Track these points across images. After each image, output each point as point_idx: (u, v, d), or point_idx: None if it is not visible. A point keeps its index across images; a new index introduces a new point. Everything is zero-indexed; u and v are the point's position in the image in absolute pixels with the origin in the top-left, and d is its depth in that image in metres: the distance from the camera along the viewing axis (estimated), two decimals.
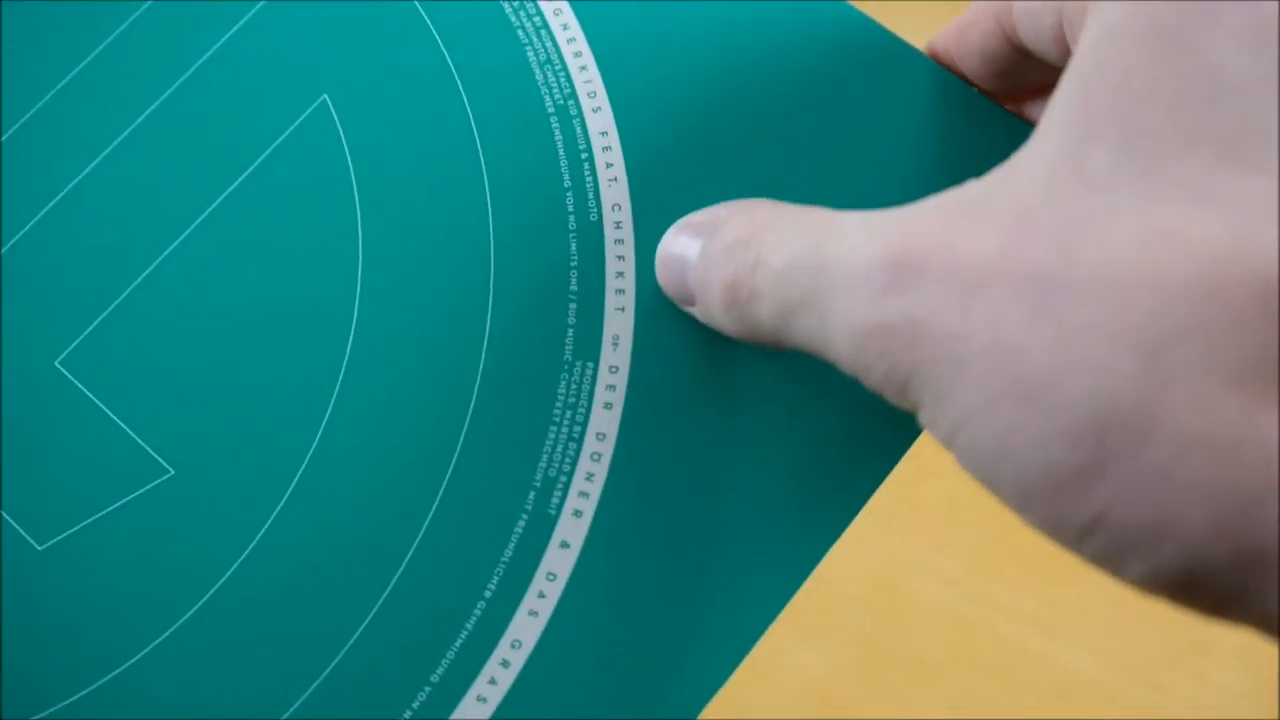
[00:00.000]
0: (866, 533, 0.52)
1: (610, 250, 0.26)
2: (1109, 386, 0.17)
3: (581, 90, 0.27)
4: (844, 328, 0.20)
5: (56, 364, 0.26)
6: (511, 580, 0.25)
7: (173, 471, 0.25)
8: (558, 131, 0.27)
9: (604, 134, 0.27)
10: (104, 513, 0.25)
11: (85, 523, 0.25)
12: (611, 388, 0.26)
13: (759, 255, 0.22)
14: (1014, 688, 0.53)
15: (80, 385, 0.26)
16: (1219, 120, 0.18)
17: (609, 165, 0.27)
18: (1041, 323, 0.18)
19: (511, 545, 0.25)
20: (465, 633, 0.25)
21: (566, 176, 0.27)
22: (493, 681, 0.25)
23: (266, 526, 0.25)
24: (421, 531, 0.25)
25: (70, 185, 0.27)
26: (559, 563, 0.25)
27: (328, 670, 0.25)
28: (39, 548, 0.25)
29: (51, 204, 0.26)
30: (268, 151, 0.27)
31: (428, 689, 0.24)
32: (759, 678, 0.52)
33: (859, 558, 0.53)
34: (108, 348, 0.26)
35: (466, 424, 0.26)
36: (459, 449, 0.25)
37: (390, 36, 0.27)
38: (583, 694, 0.25)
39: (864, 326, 0.20)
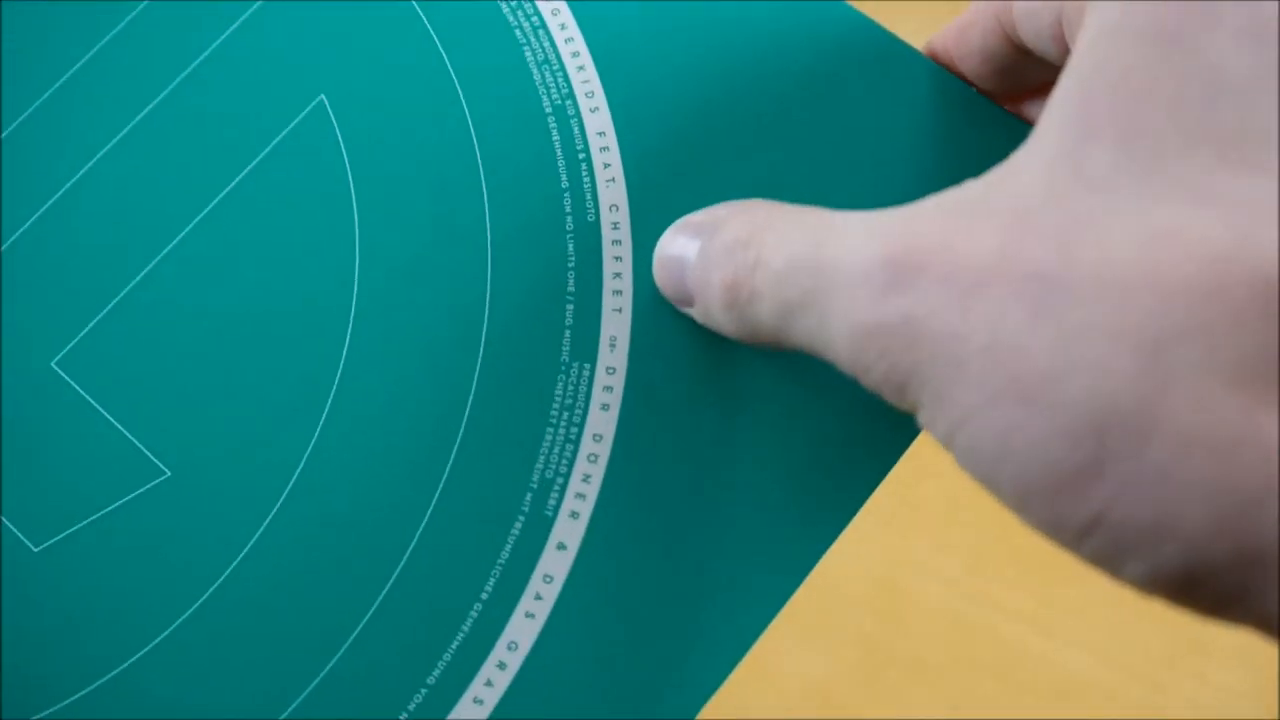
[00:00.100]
0: (866, 533, 0.52)
1: (608, 251, 0.26)
2: (1109, 386, 0.17)
3: (579, 90, 0.27)
4: (844, 327, 0.20)
5: (53, 365, 0.26)
6: (508, 582, 0.25)
7: (169, 473, 0.25)
8: (555, 132, 0.27)
9: (601, 134, 0.27)
10: (100, 514, 0.25)
11: (81, 524, 0.25)
12: (609, 389, 0.26)
13: (759, 255, 0.22)
14: (1014, 688, 0.53)
15: (77, 386, 0.26)
16: (1219, 120, 0.18)
17: (606, 166, 0.27)
18: (1041, 322, 0.18)
19: (508, 547, 0.25)
20: (462, 634, 0.25)
21: (564, 177, 0.27)
22: (489, 683, 0.25)
23: (263, 528, 0.25)
24: (418, 533, 0.25)
25: (66, 186, 0.27)
26: (556, 565, 0.25)
27: (324, 672, 0.24)
28: (35, 549, 0.25)
29: (48, 205, 0.26)
30: (264, 152, 0.27)
31: (424, 691, 0.24)
32: (759, 678, 0.52)
33: (859, 558, 0.53)
34: (104, 349, 0.26)
35: (463, 425, 0.26)
36: (456, 450, 0.25)
37: (388, 37, 0.27)
38: (580, 696, 0.24)
39: (864, 326, 0.20)
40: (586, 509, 0.25)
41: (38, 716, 0.24)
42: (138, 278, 0.26)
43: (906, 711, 0.52)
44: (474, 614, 0.25)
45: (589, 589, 0.25)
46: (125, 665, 0.25)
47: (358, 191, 0.27)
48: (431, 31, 0.27)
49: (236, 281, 0.26)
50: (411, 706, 0.24)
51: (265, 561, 0.25)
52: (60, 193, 0.27)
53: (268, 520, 0.25)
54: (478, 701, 0.24)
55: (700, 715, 0.25)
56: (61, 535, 0.25)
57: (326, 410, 0.26)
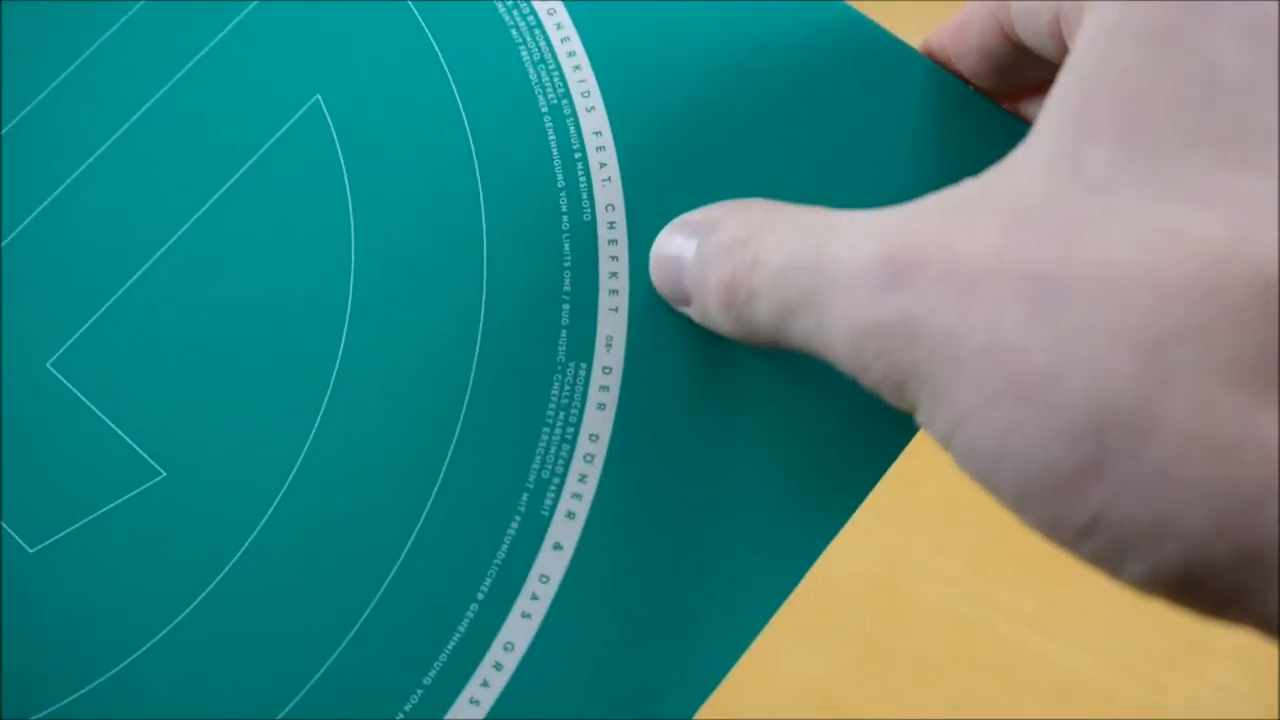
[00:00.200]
0: (866, 532, 0.52)
1: (604, 250, 0.26)
2: (1108, 386, 0.17)
3: (575, 90, 0.27)
4: (842, 327, 0.20)
5: (48, 366, 0.26)
6: (504, 582, 0.25)
7: (165, 473, 0.25)
8: (551, 131, 0.27)
9: (598, 133, 0.27)
10: (96, 515, 0.25)
11: (77, 525, 0.25)
12: (605, 389, 0.26)
13: (756, 255, 0.22)
14: (1014, 688, 0.53)
15: (72, 387, 0.26)
16: (1218, 119, 0.18)
17: (603, 165, 0.26)
18: (1040, 322, 0.18)
19: (504, 547, 0.25)
20: (458, 635, 0.25)
21: (560, 176, 0.26)
22: (485, 684, 0.24)
23: (259, 529, 0.25)
24: (414, 533, 0.25)
25: (62, 187, 0.27)
26: (552, 564, 0.25)
27: (320, 672, 0.24)
28: (30, 550, 0.25)
29: (43, 206, 0.26)
30: (260, 153, 0.27)
31: (420, 691, 0.24)
32: (758, 677, 0.52)
33: (859, 557, 0.53)
34: (100, 350, 0.26)
35: (459, 425, 0.25)
36: (452, 450, 0.25)
37: (384, 36, 0.27)
38: (576, 696, 0.24)
39: (862, 325, 0.20)
40: (583, 509, 0.25)
41: (36, 717, 0.24)
42: (133, 278, 0.26)
43: (906, 711, 0.52)
44: (470, 614, 0.25)
45: (585, 589, 0.25)
46: (123, 665, 0.25)
47: (353, 191, 0.26)
48: (427, 31, 0.27)
49: (232, 281, 0.26)
50: (408, 707, 0.24)
51: (261, 561, 0.25)
52: (55, 193, 0.26)
53: (264, 520, 0.25)
54: (474, 702, 0.24)
55: (699, 715, 0.25)
56: (58, 536, 0.25)
57: (322, 410, 0.26)
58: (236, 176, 0.27)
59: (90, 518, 0.25)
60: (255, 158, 0.27)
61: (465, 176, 0.27)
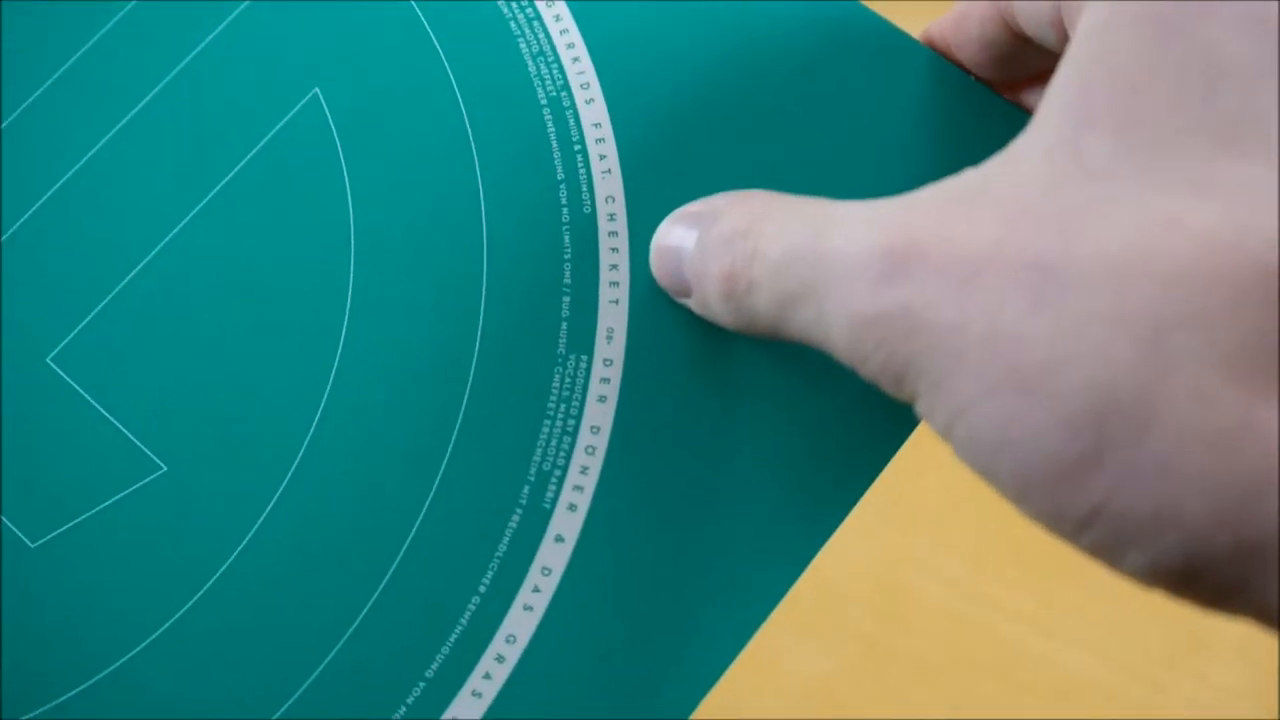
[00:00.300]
0: (867, 532, 0.52)
1: (604, 243, 0.26)
2: (1108, 375, 0.17)
3: (574, 82, 0.27)
4: (841, 318, 0.20)
5: (48, 361, 0.26)
6: (506, 575, 0.25)
7: (165, 468, 0.25)
8: (551, 124, 0.27)
9: (597, 125, 0.27)
10: (97, 510, 0.25)
11: (78, 520, 0.25)
12: (606, 381, 0.26)
13: (756, 246, 0.22)
14: (1014, 688, 0.53)
15: (72, 382, 0.26)
16: (1217, 108, 0.18)
17: (602, 157, 0.26)
18: (1040, 311, 0.18)
19: (506, 540, 0.25)
20: (460, 628, 0.25)
21: (560, 169, 0.26)
22: (487, 676, 0.24)
23: (260, 522, 0.25)
24: (415, 526, 0.25)
25: (60, 182, 0.26)
26: (554, 557, 0.25)
27: (322, 666, 0.24)
28: (32, 545, 0.25)
29: (42, 201, 0.26)
30: (259, 147, 0.27)
31: (422, 684, 0.24)
32: (759, 676, 0.52)
33: (859, 556, 0.53)
34: (100, 345, 0.26)
35: (460, 418, 0.25)
36: (453, 443, 0.25)
37: (382, 30, 0.27)
38: (578, 688, 0.24)
39: (861, 316, 0.20)
40: (584, 501, 0.25)
41: (37, 712, 0.24)
42: (132, 273, 0.26)
43: (906, 711, 0.52)
44: (472, 607, 0.25)
45: (587, 581, 0.25)
46: (122, 661, 0.24)
47: (353, 185, 0.26)
48: (426, 25, 0.27)
49: (231, 275, 0.26)
50: (410, 700, 0.24)
51: (262, 556, 0.25)
52: (54, 189, 0.26)
53: (264, 514, 0.25)
54: (476, 695, 0.24)
55: (700, 714, 0.25)
56: (59, 531, 0.25)
57: (323, 404, 0.25)
58: (236, 170, 0.27)
59: (91, 512, 0.25)
60: (254, 151, 0.27)
61: (464, 170, 0.27)
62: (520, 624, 0.25)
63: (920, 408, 0.20)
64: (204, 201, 0.26)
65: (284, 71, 0.27)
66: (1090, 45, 0.19)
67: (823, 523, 0.25)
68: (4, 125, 0.27)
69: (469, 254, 0.26)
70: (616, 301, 0.26)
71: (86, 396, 0.26)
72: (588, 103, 0.27)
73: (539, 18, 0.27)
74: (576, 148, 0.27)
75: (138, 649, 0.25)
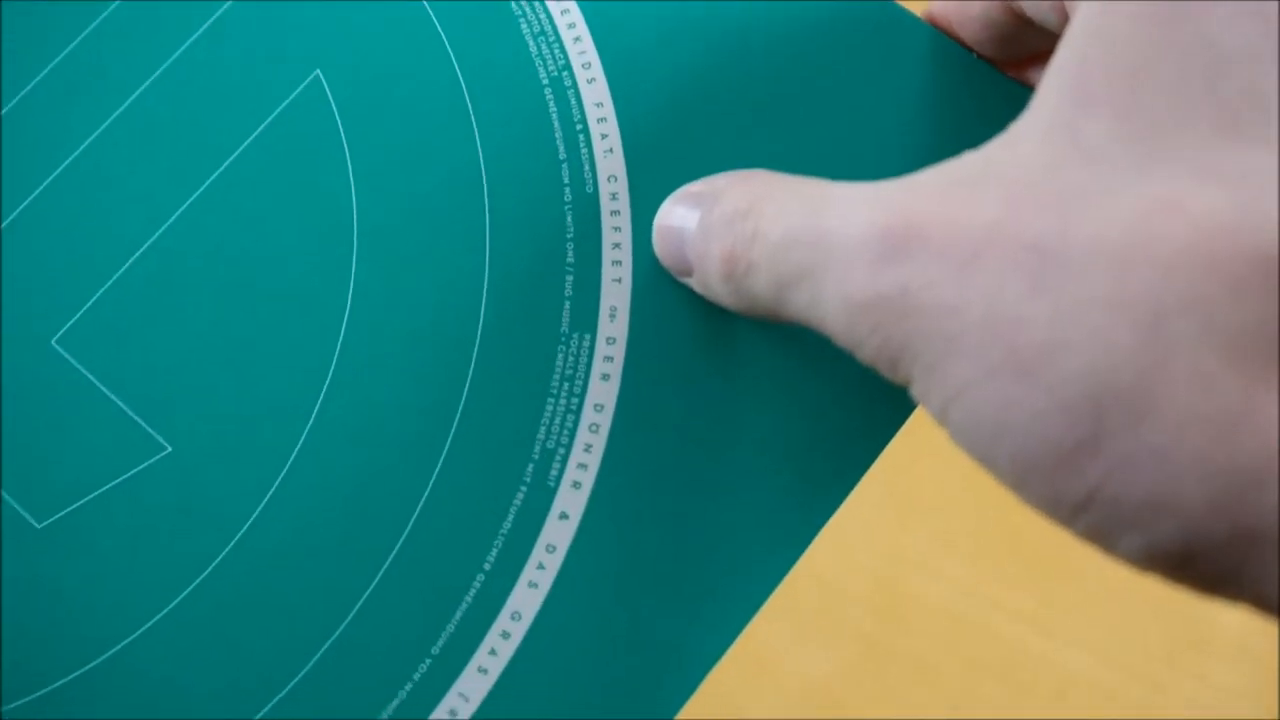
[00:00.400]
0: (867, 531, 0.52)
1: (607, 222, 0.26)
2: (1107, 361, 0.17)
3: (576, 62, 0.27)
4: (838, 300, 0.20)
5: (53, 343, 0.26)
6: (511, 552, 0.25)
7: (170, 448, 0.25)
8: (552, 104, 0.27)
9: (599, 105, 0.27)
10: (103, 490, 0.25)
11: (84, 500, 0.25)
12: (609, 359, 0.26)
13: (757, 228, 0.22)
14: (1014, 688, 0.52)
15: (77, 364, 0.26)
16: (1217, 92, 0.18)
17: (604, 136, 0.27)
18: (1039, 295, 0.18)
19: (510, 517, 0.25)
20: (465, 605, 0.25)
21: (562, 149, 0.27)
22: (493, 653, 0.24)
23: (265, 502, 0.25)
24: (420, 505, 0.25)
25: (63, 166, 0.27)
26: (558, 534, 0.25)
27: (328, 644, 0.24)
28: (38, 526, 0.25)
29: (45, 184, 0.26)
30: (261, 128, 0.27)
31: (428, 660, 0.24)
32: (759, 677, 0.52)
33: (860, 557, 0.53)
34: (104, 326, 0.26)
35: (464, 397, 0.25)
36: (457, 422, 0.25)
37: (384, 12, 0.27)
38: (585, 663, 0.24)
39: (857, 299, 0.20)
40: (589, 479, 0.25)
41: (37, 693, 0.24)
42: (136, 255, 0.26)
43: (906, 711, 0.52)
44: (477, 584, 0.25)
45: (592, 558, 0.25)
46: (129, 640, 0.24)
47: (354, 165, 0.27)
48: (426, 6, 0.27)
49: (235, 256, 0.26)
50: (416, 676, 0.24)
51: (267, 535, 0.25)
52: (57, 172, 0.27)
53: (269, 494, 0.25)
54: (482, 671, 0.24)
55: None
56: (65, 511, 0.25)
57: (326, 384, 0.26)
58: (239, 152, 0.27)
59: (97, 493, 0.25)
60: (257, 133, 0.27)
61: (466, 150, 0.27)
62: (525, 600, 0.25)
63: (915, 391, 0.20)
64: (207, 183, 0.26)
65: (285, 54, 0.27)
66: (1088, 26, 0.19)
67: (826, 499, 0.25)
68: (8, 108, 0.27)
69: (471, 234, 0.26)
70: (619, 280, 0.26)
71: (91, 378, 0.26)
72: (589, 82, 0.27)
73: None
74: (578, 127, 0.27)
75: (144, 628, 0.25)
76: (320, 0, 0.27)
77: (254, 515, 0.25)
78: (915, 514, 0.53)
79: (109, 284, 0.26)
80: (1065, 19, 0.23)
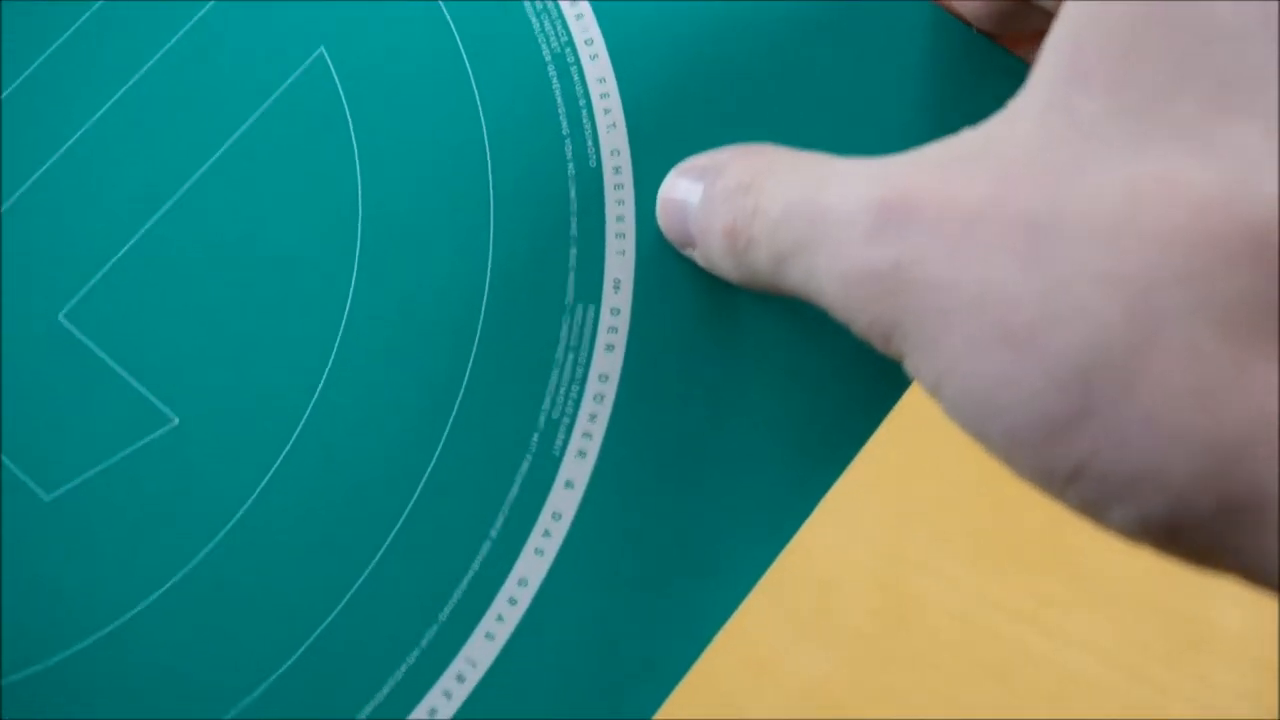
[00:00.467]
0: (867, 532, 0.52)
1: (610, 195, 0.26)
2: (1099, 335, 0.17)
3: (578, 38, 0.27)
4: (833, 274, 0.20)
5: (60, 318, 0.26)
6: (517, 520, 0.25)
7: (177, 420, 0.25)
8: (555, 79, 0.27)
9: (602, 80, 0.27)
10: (110, 462, 0.25)
11: (91, 472, 0.25)
12: (613, 330, 0.26)
13: (758, 203, 0.22)
14: (1014, 688, 0.52)
15: (84, 338, 0.26)
16: (1210, 67, 0.18)
17: (607, 111, 0.27)
18: (1031, 269, 0.18)
19: (516, 486, 0.25)
20: (472, 572, 0.25)
21: (565, 124, 0.27)
22: (500, 619, 0.24)
23: (272, 472, 0.25)
24: (426, 474, 0.25)
25: (70, 141, 0.27)
26: (564, 502, 0.25)
27: (335, 612, 0.24)
28: (46, 498, 0.25)
29: (52, 160, 0.27)
30: (266, 105, 0.27)
31: (435, 627, 0.24)
32: (759, 677, 0.52)
33: (860, 557, 0.53)
34: (111, 301, 0.26)
35: (469, 367, 0.26)
36: (463, 391, 0.26)
37: None
38: (591, 629, 0.24)
39: (852, 273, 0.20)
40: (594, 448, 0.25)
41: (45, 664, 0.24)
42: (143, 230, 0.26)
43: (906, 711, 0.52)
44: (483, 552, 0.25)
45: (597, 525, 0.25)
46: (135, 611, 0.24)
47: (359, 141, 0.27)
48: None
49: (241, 231, 0.26)
50: (424, 642, 0.24)
51: (274, 505, 0.25)
52: (65, 147, 0.27)
53: (276, 464, 0.25)
54: (489, 637, 0.24)
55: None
56: (71, 484, 0.25)
57: (333, 356, 0.26)
58: (244, 128, 0.27)
59: (105, 465, 0.25)
60: (262, 109, 0.27)
61: (470, 125, 0.27)
62: (531, 568, 0.25)
63: (909, 366, 0.20)
64: (213, 159, 0.27)
65: (289, 31, 0.27)
66: (1083, 5, 0.19)
67: (827, 469, 0.25)
68: (15, 83, 0.27)
69: (476, 207, 0.26)
70: (623, 252, 0.26)
71: (98, 352, 0.26)
72: (592, 58, 0.27)
73: None
74: (581, 102, 0.27)
75: (150, 600, 0.25)
76: None
77: (260, 486, 0.25)
78: (915, 514, 0.53)
79: (115, 259, 0.26)
80: None
